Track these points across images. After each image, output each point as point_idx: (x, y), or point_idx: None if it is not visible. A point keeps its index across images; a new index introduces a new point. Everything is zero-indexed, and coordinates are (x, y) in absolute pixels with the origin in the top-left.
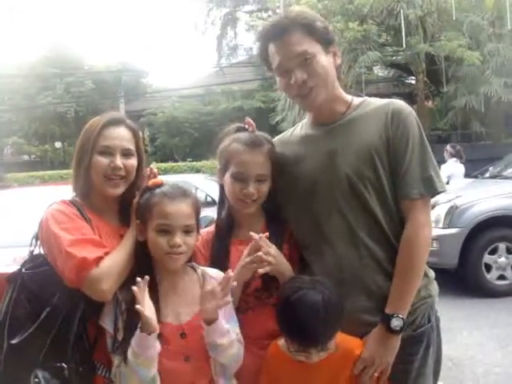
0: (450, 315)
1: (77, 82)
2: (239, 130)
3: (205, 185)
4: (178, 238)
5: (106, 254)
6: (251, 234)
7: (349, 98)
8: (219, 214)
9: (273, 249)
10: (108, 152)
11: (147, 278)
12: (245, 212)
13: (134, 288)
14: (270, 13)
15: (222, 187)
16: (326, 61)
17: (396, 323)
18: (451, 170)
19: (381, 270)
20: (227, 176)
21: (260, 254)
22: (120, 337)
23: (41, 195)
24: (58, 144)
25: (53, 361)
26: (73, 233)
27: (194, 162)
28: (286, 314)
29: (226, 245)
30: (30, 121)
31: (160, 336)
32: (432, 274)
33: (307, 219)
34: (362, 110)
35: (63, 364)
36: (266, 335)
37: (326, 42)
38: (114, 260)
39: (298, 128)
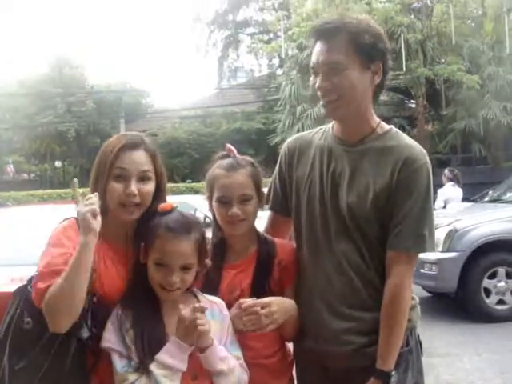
0: (449, 340)
1: (78, 102)
2: (223, 157)
3: (204, 206)
4: (174, 276)
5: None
6: (242, 303)
7: (376, 122)
8: (213, 240)
9: (272, 306)
10: (123, 176)
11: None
12: (236, 233)
13: (197, 311)
14: (271, 35)
15: (213, 214)
16: (357, 77)
17: (394, 379)
18: (448, 193)
19: (356, 296)
20: (213, 202)
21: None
22: (134, 355)
23: (38, 214)
24: (58, 163)
25: None
26: (54, 256)
27: (194, 183)
28: None
29: (219, 270)
30: (30, 140)
31: None
32: (415, 300)
33: (310, 225)
34: (381, 144)
35: None
36: (254, 356)
37: (368, 57)
38: (57, 287)
39: (319, 133)
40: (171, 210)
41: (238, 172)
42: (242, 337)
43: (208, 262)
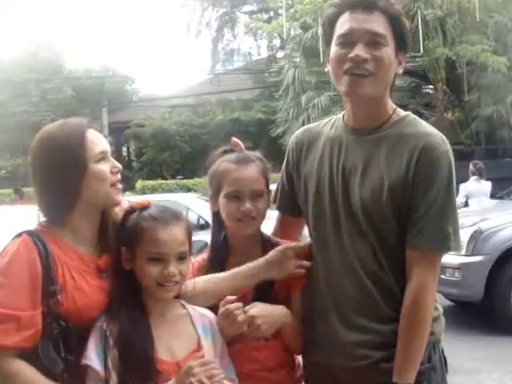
0: (476, 355)
1: (55, 89)
2: (226, 152)
3: (197, 205)
4: (173, 268)
5: (28, 339)
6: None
7: (392, 108)
8: (213, 242)
9: (254, 310)
10: (107, 158)
11: None
12: (245, 233)
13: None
14: (271, 13)
15: (214, 214)
16: (392, 59)
17: None
18: (469, 188)
19: (372, 306)
20: (221, 198)
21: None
22: (113, 381)
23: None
24: None
25: None
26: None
27: (186, 180)
28: None
29: (221, 272)
30: (0, 131)
31: (158, 373)
32: (439, 311)
33: (318, 226)
34: (397, 131)
35: None
36: (258, 368)
37: (401, 44)
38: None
39: (329, 124)
40: (149, 206)
41: (249, 166)
42: (243, 346)
43: None
